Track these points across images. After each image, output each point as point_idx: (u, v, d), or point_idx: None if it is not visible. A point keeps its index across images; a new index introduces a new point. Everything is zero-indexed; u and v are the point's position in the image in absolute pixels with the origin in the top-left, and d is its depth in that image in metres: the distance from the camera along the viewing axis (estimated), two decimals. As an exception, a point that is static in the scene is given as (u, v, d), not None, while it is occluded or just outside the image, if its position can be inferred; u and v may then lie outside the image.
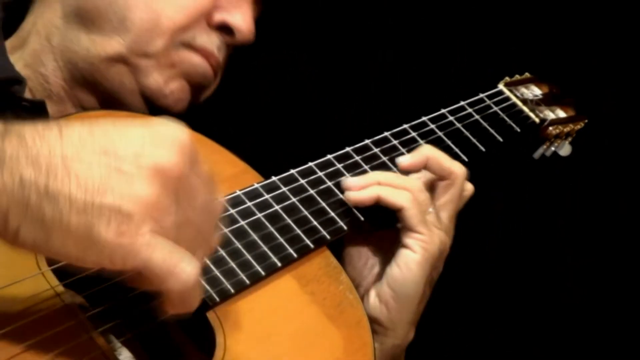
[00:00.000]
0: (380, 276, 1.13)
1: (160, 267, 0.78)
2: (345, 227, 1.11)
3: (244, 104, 1.19)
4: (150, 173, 0.78)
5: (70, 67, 1.20)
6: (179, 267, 0.78)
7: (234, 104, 1.19)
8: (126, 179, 0.77)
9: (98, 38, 1.18)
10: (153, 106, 1.21)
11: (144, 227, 0.77)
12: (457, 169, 1.17)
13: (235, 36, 1.22)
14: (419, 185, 1.13)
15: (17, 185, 0.76)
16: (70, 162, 0.77)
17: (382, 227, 1.15)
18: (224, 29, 1.22)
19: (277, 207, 1.09)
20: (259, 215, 1.07)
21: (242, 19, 1.21)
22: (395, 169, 1.20)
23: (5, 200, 0.76)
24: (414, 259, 1.10)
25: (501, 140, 1.35)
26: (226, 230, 1.03)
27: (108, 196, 0.76)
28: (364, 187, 1.13)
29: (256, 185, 1.10)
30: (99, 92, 1.20)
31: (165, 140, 0.80)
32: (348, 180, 1.14)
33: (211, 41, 1.21)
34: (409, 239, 1.10)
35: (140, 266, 0.78)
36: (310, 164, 1.16)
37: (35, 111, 1.12)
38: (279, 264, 1.03)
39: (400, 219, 1.11)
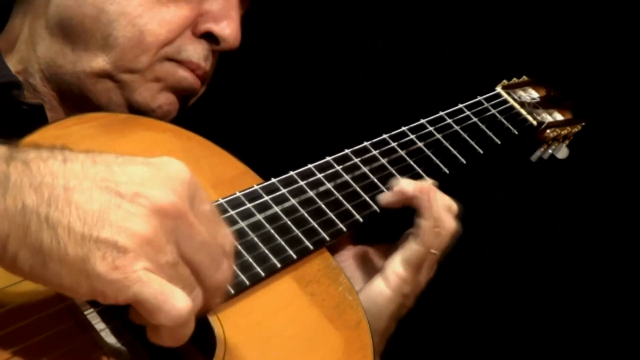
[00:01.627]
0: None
1: (150, 303, 0.79)
2: (344, 229, 1.12)
3: (244, 106, 1.19)
4: (149, 210, 0.79)
5: (57, 80, 1.21)
6: (170, 304, 0.79)
7: (234, 106, 1.19)
8: (124, 216, 0.78)
9: (83, 54, 1.18)
10: None
11: (138, 263, 0.78)
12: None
13: (221, 44, 1.22)
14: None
15: (19, 211, 0.77)
16: (72, 193, 0.78)
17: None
18: (210, 37, 1.21)
19: (276, 209, 1.09)
20: (259, 216, 1.07)
21: (227, 28, 1.21)
22: (392, 169, 1.21)
23: (6, 224, 0.77)
24: (385, 295, 1.11)
25: (499, 143, 1.35)
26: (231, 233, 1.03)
27: (106, 230, 0.78)
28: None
29: (256, 187, 1.10)
30: (86, 103, 1.21)
31: (165, 180, 0.81)
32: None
33: (197, 52, 1.21)
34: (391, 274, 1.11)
35: (131, 300, 0.79)
36: (309, 165, 1.17)
37: (34, 115, 1.13)
38: (279, 265, 1.03)
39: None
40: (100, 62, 1.17)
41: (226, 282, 0.88)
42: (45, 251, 0.77)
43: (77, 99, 1.21)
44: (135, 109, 1.20)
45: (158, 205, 0.79)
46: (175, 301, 0.79)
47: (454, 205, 1.15)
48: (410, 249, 1.11)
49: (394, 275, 1.11)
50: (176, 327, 0.81)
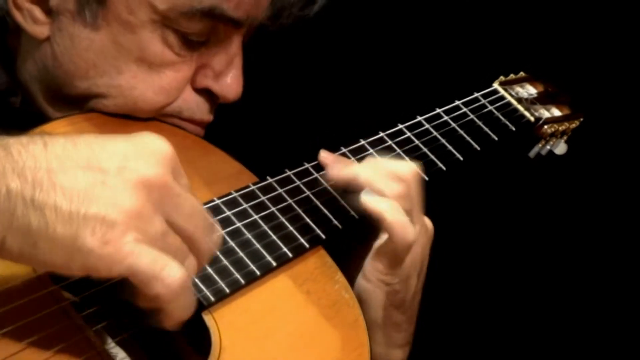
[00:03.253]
0: None
1: (144, 272, 0.79)
2: (340, 226, 1.12)
3: (239, 104, 1.19)
4: (134, 184, 0.80)
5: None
6: (165, 271, 0.79)
7: (229, 104, 1.19)
8: (110, 191, 0.79)
9: (72, 110, 1.14)
10: None
11: (128, 236, 0.78)
12: (409, 171, 1.13)
13: (221, 100, 1.17)
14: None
15: (3, 196, 0.77)
16: (55, 174, 0.79)
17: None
18: (211, 92, 1.16)
19: (272, 208, 1.09)
20: (254, 215, 1.07)
21: (227, 86, 1.15)
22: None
23: None
24: (365, 287, 1.11)
25: (496, 139, 1.35)
26: (222, 231, 1.03)
27: (93, 206, 0.78)
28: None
29: (251, 186, 1.10)
30: None
31: (147, 153, 0.82)
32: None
33: (200, 109, 1.16)
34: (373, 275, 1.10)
35: (125, 273, 0.79)
36: (305, 164, 1.17)
37: (35, 121, 1.11)
38: (274, 264, 1.03)
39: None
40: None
41: (217, 248, 0.89)
42: (34, 233, 0.78)
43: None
44: None
45: (143, 178, 0.80)
46: (169, 268, 0.80)
47: (394, 169, 1.12)
48: (381, 239, 1.10)
49: (371, 269, 1.11)
50: (173, 297, 0.81)
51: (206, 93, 1.16)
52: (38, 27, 1.11)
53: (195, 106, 1.16)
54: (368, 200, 1.09)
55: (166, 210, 0.81)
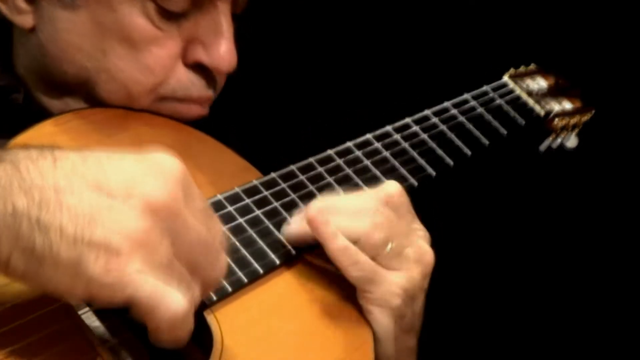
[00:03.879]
0: None
1: (145, 304, 0.78)
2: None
3: (243, 99, 1.18)
4: (141, 209, 0.78)
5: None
6: (165, 304, 0.78)
7: (233, 100, 1.18)
8: (117, 214, 0.77)
9: (71, 101, 1.13)
10: None
11: (131, 265, 0.77)
12: (390, 191, 1.05)
13: (214, 73, 1.13)
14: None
15: (9, 214, 0.76)
16: (62, 195, 0.77)
17: None
18: (204, 66, 1.13)
19: (275, 204, 1.08)
20: (258, 212, 1.06)
21: (217, 56, 1.11)
22: (396, 162, 1.20)
23: None
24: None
25: (505, 132, 1.34)
26: (225, 227, 1.02)
27: (98, 231, 0.76)
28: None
29: (255, 182, 1.09)
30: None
31: (158, 175, 0.80)
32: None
33: (195, 85, 1.13)
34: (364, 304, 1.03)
35: (127, 301, 0.78)
36: (310, 159, 1.16)
37: (37, 117, 1.10)
38: (277, 262, 1.02)
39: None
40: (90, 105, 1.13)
41: (222, 277, 0.87)
42: (38, 254, 0.76)
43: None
44: None
45: (151, 203, 0.78)
46: (170, 301, 0.78)
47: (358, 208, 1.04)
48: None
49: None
50: (173, 327, 0.80)
51: (200, 68, 1.13)
52: (23, 16, 1.10)
53: (190, 83, 1.13)
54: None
55: (172, 237, 0.79)
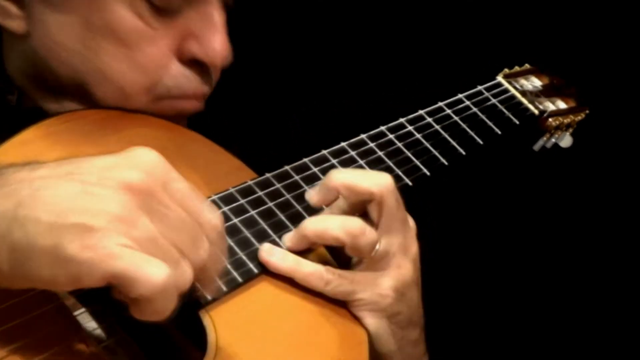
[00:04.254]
0: None
1: (124, 275, 0.77)
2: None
3: (237, 100, 1.18)
4: (117, 189, 0.78)
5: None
6: (144, 273, 0.77)
7: (227, 100, 1.18)
8: (92, 197, 0.78)
9: (67, 102, 1.13)
10: None
11: (109, 239, 0.77)
12: (377, 184, 1.03)
13: (210, 67, 1.12)
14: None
15: None
16: (38, 191, 0.78)
17: None
18: (200, 61, 1.12)
19: (270, 204, 1.08)
20: (252, 212, 1.06)
21: (211, 49, 1.10)
22: (390, 162, 1.20)
23: None
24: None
25: (499, 133, 1.34)
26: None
27: (73, 215, 0.77)
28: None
29: (249, 182, 1.09)
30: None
31: (133, 162, 0.80)
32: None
33: (190, 82, 1.12)
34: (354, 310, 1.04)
35: (107, 277, 0.77)
36: (304, 159, 1.16)
37: (33, 118, 1.09)
38: (273, 262, 1.02)
39: None
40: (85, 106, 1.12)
41: (206, 261, 0.84)
42: (18, 248, 0.77)
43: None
44: None
45: (126, 183, 0.78)
46: (150, 269, 0.77)
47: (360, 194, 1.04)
48: None
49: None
50: (155, 297, 0.78)
51: (195, 64, 1.12)
52: (14, 21, 1.10)
53: (185, 80, 1.12)
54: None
55: (151, 214, 0.79)
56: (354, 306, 1.03)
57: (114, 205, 0.78)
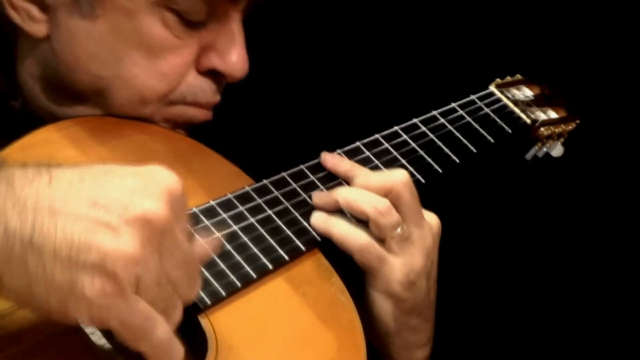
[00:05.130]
0: None
1: (135, 331, 0.78)
2: (336, 229, 1.12)
3: (235, 106, 1.19)
4: (137, 225, 0.77)
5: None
6: (155, 333, 0.79)
7: (225, 107, 1.19)
8: (112, 234, 0.76)
9: (81, 107, 1.13)
10: None
11: (126, 288, 0.76)
12: (392, 179, 1.12)
13: (228, 79, 1.15)
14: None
15: (1, 234, 0.75)
16: (57, 214, 0.76)
17: None
18: (216, 72, 1.14)
19: (269, 211, 1.09)
20: (250, 218, 1.07)
21: (232, 62, 1.13)
22: (383, 168, 1.21)
23: None
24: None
25: (492, 141, 1.35)
26: (218, 234, 1.03)
27: (93, 252, 0.75)
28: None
29: (247, 189, 1.10)
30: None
31: (155, 190, 0.79)
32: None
33: (205, 92, 1.15)
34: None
35: (116, 328, 0.78)
36: (301, 166, 1.17)
37: (33, 124, 1.09)
38: (270, 267, 1.03)
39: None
40: (100, 112, 1.13)
41: (195, 297, 0.86)
42: (31, 276, 0.75)
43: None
44: None
45: (147, 217, 0.77)
46: (158, 330, 0.79)
47: (378, 182, 1.13)
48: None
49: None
50: (158, 354, 0.80)
51: (211, 75, 1.14)
52: (36, 25, 1.10)
53: (199, 90, 1.14)
54: (318, 222, 1.11)
55: (162, 252, 0.79)
56: (368, 283, 1.10)
57: (133, 246, 0.76)
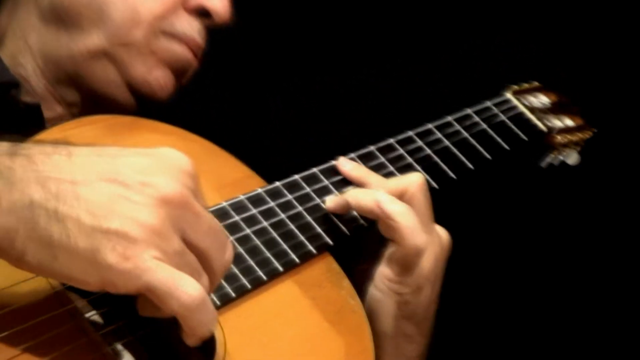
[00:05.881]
0: None
1: (161, 289, 0.79)
2: (347, 232, 1.12)
3: (248, 109, 1.19)
4: (156, 201, 0.80)
5: (51, 67, 1.21)
6: (181, 289, 0.79)
7: (238, 109, 1.19)
8: (133, 206, 0.79)
9: (77, 35, 1.18)
10: (139, 98, 1.21)
11: (147, 252, 0.79)
12: (408, 181, 1.13)
13: (213, 19, 1.22)
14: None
15: (27, 206, 0.78)
16: (79, 187, 0.79)
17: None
18: (201, 13, 1.21)
19: (281, 214, 1.09)
20: (263, 221, 1.07)
21: (218, 1, 1.21)
22: (397, 173, 1.21)
23: (14, 219, 0.78)
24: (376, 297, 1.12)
25: (508, 148, 1.35)
26: (230, 236, 1.03)
27: (115, 221, 0.78)
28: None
29: (259, 190, 1.10)
30: (84, 88, 1.21)
31: (170, 168, 0.82)
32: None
33: (191, 26, 1.21)
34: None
35: (142, 289, 0.80)
36: (314, 169, 1.17)
37: (31, 115, 1.14)
38: (281, 269, 1.03)
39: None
40: (95, 39, 1.18)
41: (231, 263, 0.88)
42: (56, 245, 0.78)
43: (71, 83, 1.21)
44: (133, 85, 1.20)
45: (164, 195, 0.80)
46: (185, 286, 0.80)
47: (398, 185, 1.13)
48: (391, 246, 1.11)
49: (381, 277, 1.11)
50: (191, 313, 0.81)
51: (197, 17, 1.21)
52: None
53: (187, 25, 1.21)
54: (381, 201, 1.09)
55: (184, 227, 0.81)
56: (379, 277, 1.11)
57: (153, 218, 0.79)
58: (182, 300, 0.80)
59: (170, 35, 1.20)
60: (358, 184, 1.17)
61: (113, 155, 0.82)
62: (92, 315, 0.92)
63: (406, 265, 1.10)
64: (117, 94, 1.20)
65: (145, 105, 1.22)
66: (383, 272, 1.11)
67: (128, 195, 0.79)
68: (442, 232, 1.15)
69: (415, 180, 1.13)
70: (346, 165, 1.18)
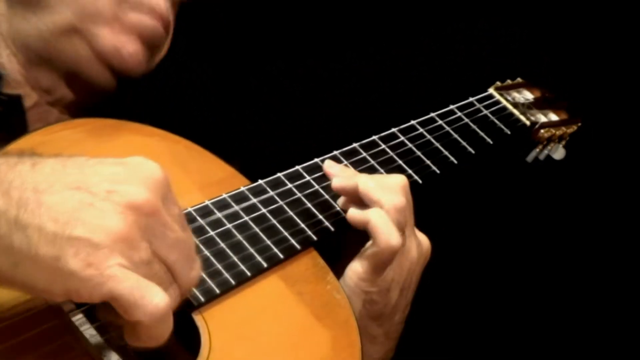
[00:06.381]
0: None
1: (126, 299, 0.77)
2: (331, 228, 1.12)
3: (232, 107, 1.19)
4: (122, 208, 0.78)
5: (24, 51, 1.21)
6: (146, 299, 0.77)
7: (221, 108, 1.20)
8: (97, 213, 0.77)
9: (46, 14, 1.18)
10: (114, 73, 1.22)
11: (112, 259, 0.77)
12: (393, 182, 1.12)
13: None
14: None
15: None
16: (42, 194, 0.78)
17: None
18: None
19: (263, 210, 1.09)
20: (246, 217, 1.07)
21: None
22: (382, 171, 1.21)
23: None
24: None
25: (491, 142, 1.35)
26: (212, 232, 1.03)
27: (78, 228, 0.76)
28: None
29: (242, 189, 1.11)
30: (57, 68, 1.21)
31: (139, 177, 0.80)
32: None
33: (158, 2, 1.22)
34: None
35: (106, 297, 0.77)
36: (297, 167, 1.17)
37: (11, 106, 1.14)
38: (265, 265, 1.03)
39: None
40: (62, 15, 1.18)
41: (198, 279, 0.87)
42: (16, 253, 0.76)
43: (45, 65, 1.21)
44: (105, 59, 1.20)
45: (132, 202, 0.78)
46: (151, 296, 0.78)
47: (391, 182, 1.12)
48: (366, 247, 1.10)
49: (351, 273, 1.10)
50: (154, 324, 0.79)
51: None
52: None
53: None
54: (353, 214, 1.09)
55: (151, 237, 0.80)
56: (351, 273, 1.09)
57: (119, 225, 0.77)
58: (147, 310, 0.78)
59: (135, 5, 1.20)
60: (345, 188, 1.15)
61: (80, 165, 0.81)
62: (75, 313, 0.92)
63: (377, 264, 1.08)
64: (90, 69, 1.20)
65: (124, 85, 1.22)
66: (354, 268, 1.10)
67: (94, 202, 0.78)
68: (422, 239, 1.15)
69: (398, 182, 1.12)
70: (331, 168, 1.17)
